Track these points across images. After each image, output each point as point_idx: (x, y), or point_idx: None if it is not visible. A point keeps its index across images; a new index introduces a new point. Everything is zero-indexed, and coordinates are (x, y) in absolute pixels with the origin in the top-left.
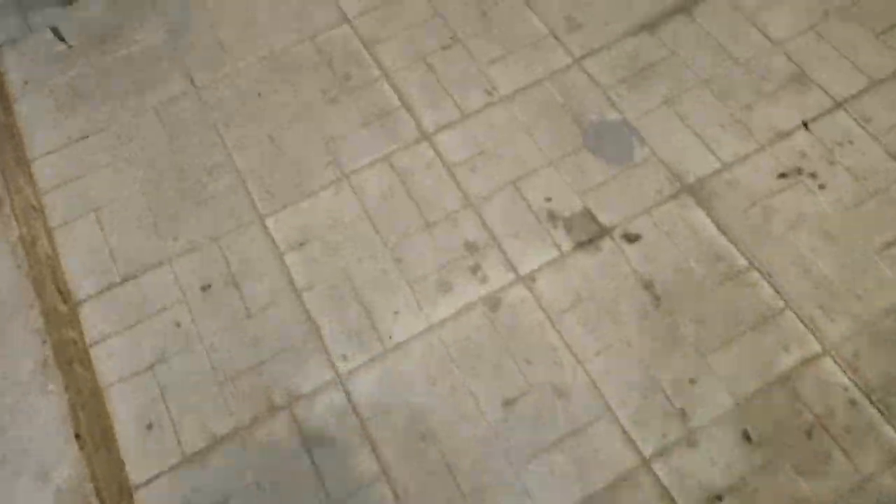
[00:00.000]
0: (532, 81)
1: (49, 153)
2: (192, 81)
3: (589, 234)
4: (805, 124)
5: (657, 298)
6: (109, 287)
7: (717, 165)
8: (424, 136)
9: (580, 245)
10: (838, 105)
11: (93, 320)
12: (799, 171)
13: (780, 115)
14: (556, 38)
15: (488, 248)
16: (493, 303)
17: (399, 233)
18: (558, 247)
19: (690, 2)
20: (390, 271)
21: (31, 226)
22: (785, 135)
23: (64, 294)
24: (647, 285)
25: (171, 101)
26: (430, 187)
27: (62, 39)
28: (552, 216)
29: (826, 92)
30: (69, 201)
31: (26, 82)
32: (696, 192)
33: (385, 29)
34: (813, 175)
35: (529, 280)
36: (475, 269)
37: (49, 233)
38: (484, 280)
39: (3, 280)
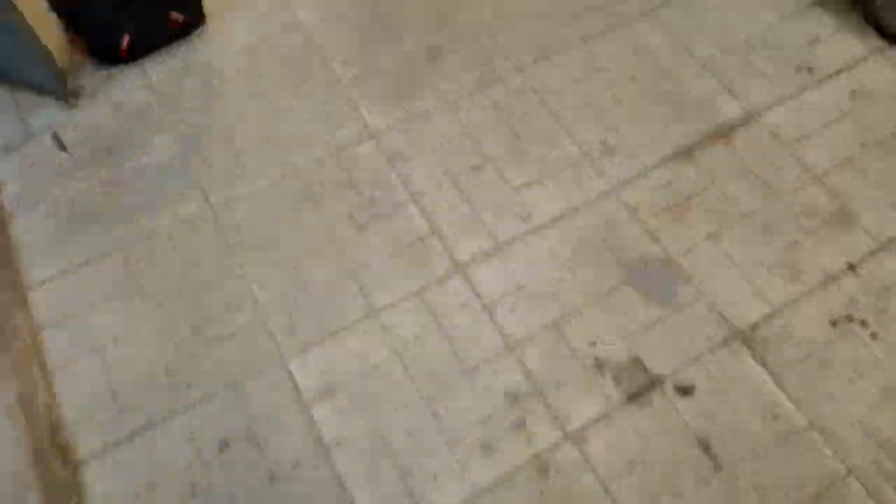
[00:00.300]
0: (568, 209)
1: (47, 281)
2: (207, 200)
3: (639, 384)
4: (852, 266)
5: (716, 461)
6: (116, 444)
7: (767, 310)
8: (458, 268)
9: (631, 398)
10: (883, 246)
11: (98, 485)
12: (849, 318)
13: (825, 255)
14: (590, 162)
15: (532, 399)
16: (540, 466)
17: (435, 381)
18: (608, 399)
19: (727, 129)
20: (427, 427)
21: (29, 375)
22: (832, 278)
23: (64, 453)
24: (704, 445)
25: (184, 221)
26: (466, 328)
27: (64, 148)
28: (598, 363)
29: (869, 232)
30: (70, 339)
31: (23, 196)
32: (748, 339)
33: (412, 146)
34: (863, 323)
35: (579, 438)
36: (519, 426)
37: (47, 376)
38: (530, 439)
39: (4, 460)
